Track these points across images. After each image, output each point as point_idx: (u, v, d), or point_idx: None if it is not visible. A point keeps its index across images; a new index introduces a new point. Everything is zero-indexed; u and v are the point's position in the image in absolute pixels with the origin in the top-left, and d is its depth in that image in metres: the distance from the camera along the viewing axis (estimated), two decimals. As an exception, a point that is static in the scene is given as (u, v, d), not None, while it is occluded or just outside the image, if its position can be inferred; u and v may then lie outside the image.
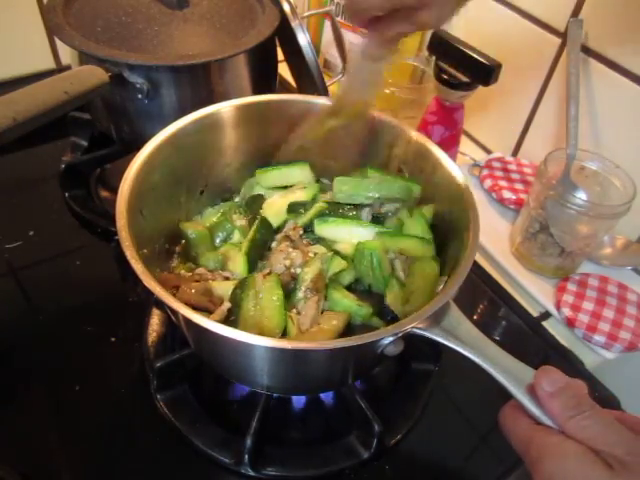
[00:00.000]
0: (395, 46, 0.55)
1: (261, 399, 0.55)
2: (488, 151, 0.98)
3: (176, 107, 0.72)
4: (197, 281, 0.53)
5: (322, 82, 0.79)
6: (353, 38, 1.01)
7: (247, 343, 0.40)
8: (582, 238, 0.70)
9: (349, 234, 0.58)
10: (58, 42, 0.98)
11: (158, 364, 0.56)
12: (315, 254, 0.55)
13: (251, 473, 0.52)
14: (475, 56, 0.73)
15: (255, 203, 0.62)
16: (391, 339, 0.43)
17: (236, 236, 0.59)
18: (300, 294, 0.52)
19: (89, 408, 0.57)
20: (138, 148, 0.53)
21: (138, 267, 0.43)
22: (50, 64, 1.01)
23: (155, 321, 0.63)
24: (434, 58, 0.80)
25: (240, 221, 0.60)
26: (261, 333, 0.48)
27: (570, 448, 0.35)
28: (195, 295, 0.50)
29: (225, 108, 0.61)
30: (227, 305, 0.50)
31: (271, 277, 0.52)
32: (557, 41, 0.80)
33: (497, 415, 0.41)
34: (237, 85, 0.76)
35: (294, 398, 0.60)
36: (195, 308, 0.47)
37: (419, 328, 0.43)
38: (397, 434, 0.57)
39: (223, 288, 0.52)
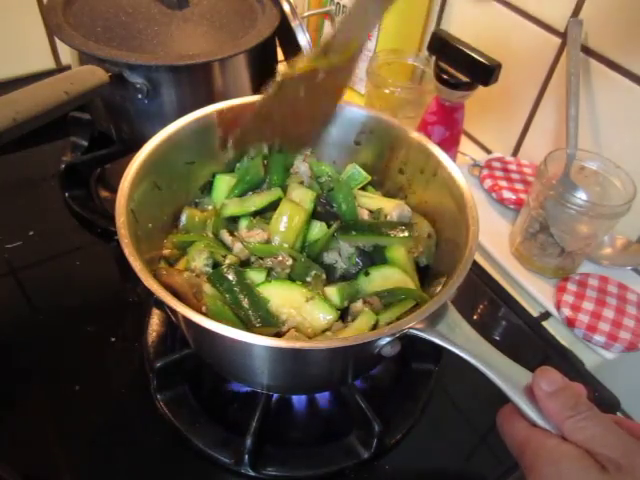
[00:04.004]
0: None
1: (261, 399, 0.55)
2: (488, 151, 0.98)
3: (176, 107, 0.72)
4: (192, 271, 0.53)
5: (322, 82, 0.79)
6: (353, 38, 1.01)
7: (247, 343, 0.40)
8: (582, 238, 0.70)
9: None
10: (58, 42, 0.98)
11: (158, 364, 0.56)
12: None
13: (251, 473, 0.52)
14: (475, 56, 0.73)
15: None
16: (388, 340, 0.43)
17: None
18: None
19: (89, 408, 0.57)
20: (138, 148, 0.53)
21: (137, 266, 0.43)
22: (50, 64, 1.01)
23: (155, 321, 0.63)
24: (434, 58, 0.80)
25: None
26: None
27: (566, 451, 0.35)
28: (180, 280, 0.49)
29: (225, 108, 0.60)
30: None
31: None
32: (557, 41, 0.80)
33: (496, 416, 0.41)
34: (237, 85, 0.76)
35: (294, 398, 0.60)
36: (176, 295, 0.47)
37: (416, 329, 0.43)
38: (397, 434, 0.57)
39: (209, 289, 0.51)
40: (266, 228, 0.56)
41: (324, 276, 0.54)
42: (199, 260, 0.53)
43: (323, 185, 0.62)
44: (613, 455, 0.34)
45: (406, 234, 0.56)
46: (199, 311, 0.49)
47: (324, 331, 0.50)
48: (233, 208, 0.58)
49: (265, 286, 0.51)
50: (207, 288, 0.51)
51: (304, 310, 0.50)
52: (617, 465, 0.33)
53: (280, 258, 0.53)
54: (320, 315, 0.50)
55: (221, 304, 0.49)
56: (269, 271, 0.53)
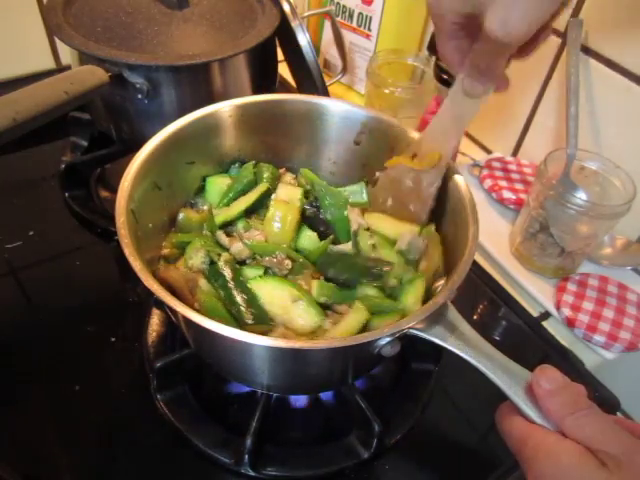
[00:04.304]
0: (493, 77, 0.47)
1: (261, 399, 0.55)
2: (488, 151, 0.98)
3: (176, 107, 0.72)
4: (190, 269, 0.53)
5: (322, 82, 0.79)
6: (353, 38, 1.01)
7: (247, 343, 0.40)
8: (582, 238, 0.70)
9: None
10: (58, 42, 0.98)
11: (158, 364, 0.56)
12: None
13: (251, 473, 0.52)
14: (475, 56, 0.72)
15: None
16: (388, 340, 0.43)
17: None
18: None
19: (89, 408, 0.57)
20: (138, 148, 0.53)
21: (137, 266, 0.43)
22: (50, 64, 1.01)
23: (155, 321, 0.63)
24: (434, 58, 0.80)
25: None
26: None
27: (565, 447, 0.35)
28: (177, 275, 0.49)
29: (225, 108, 0.60)
30: None
31: None
32: (557, 41, 0.80)
33: (495, 413, 0.41)
34: (237, 85, 0.76)
35: (294, 398, 0.60)
36: (172, 290, 0.48)
37: (416, 329, 0.43)
38: (397, 434, 0.57)
39: (204, 284, 0.52)
40: (262, 228, 0.56)
41: (315, 274, 0.54)
42: (196, 258, 0.53)
43: (311, 191, 0.61)
44: (613, 452, 0.34)
45: (378, 283, 0.54)
46: (194, 307, 0.49)
47: (312, 332, 0.50)
48: (224, 216, 0.58)
49: (256, 282, 0.51)
50: (203, 284, 0.51)
51: (290, 310, 0.50)
52: (617, 462, 0.33)
53: (279, 258, 0.53)
54: (305, 317, 0.49)
55: (215, 300, 0.49)
56: (266, 270, 0.53)
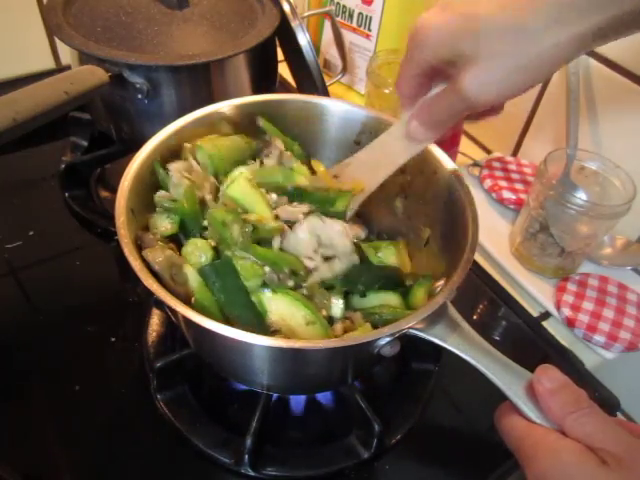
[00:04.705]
0: (441, 129, 0.46)
1: (261, 399, 0.55)
2: (488, 151, 0.98)
3: (176, 107, 0.72)
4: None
5: (322, 82, 0.79)
6: (353, 38, 1.01)
7: (247, 342, 0.40)
8: (582, 238, 0.70)
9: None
10: (58, 42, 0.98)
11: (158, 364, 0.56)
12: None
13: (251, 473, 0.52)
14: (475, 56, 0.72)
15: None
16: (388, 340, 0.43)
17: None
18: None
19: (89, 408, 0.57)
20: (138, 148, 0.53)
21: (137, 266, 0.43)
22: (50, 64, 1.01)
23: (155, 321, 0.63)
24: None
25: None
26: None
27: (566, 445, 0.35)
28: (162, 257, 0.47)
29: (225, 108, 0.60)
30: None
31: None
32: (557, 41, 0.79)
33: (494, 413, 0.41)
34: (237, 85, 0.76)
35: (294, 398, 0.60)
36: (153, 274, 0.46)
37: (416, 329, 0.43)
38: (397, 434, 0.57)
39: (195, 279, 0.49)
40: None
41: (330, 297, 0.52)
42: (193, 254, 0.51)
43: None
44: (614, 450, 0.34)
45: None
46: (175, 293, 0.47)
47: None
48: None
49: (270, 297, 0.49)
50: (190, 273, 0.49)
51: (301, 331, 0.48)
52: (618, 459, 0.33)
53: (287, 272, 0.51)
54: (313, 336, 0.48)
55: (209, 302, 0.48)
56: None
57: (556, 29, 0.36)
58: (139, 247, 0.48)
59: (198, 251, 0.51)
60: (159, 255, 0.47)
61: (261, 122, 0.61)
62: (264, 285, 0.50)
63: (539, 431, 0.37)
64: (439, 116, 0.45)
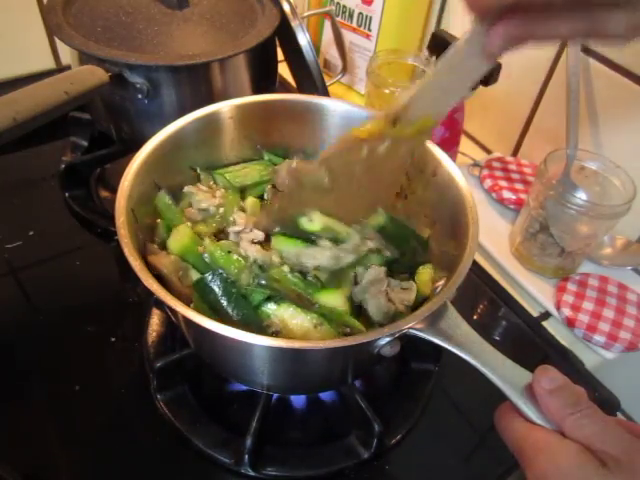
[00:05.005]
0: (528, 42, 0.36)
1: (261, 399, 0.55)
2: (488, 151, 0.98)
3: (176, 107, 0.72)
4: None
5: (322, 82, 0.79)
6: (353, 38, 1.01)
7: (247, 343, 0.40)
8: (582, 238, 0.70)
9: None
10: (58, 42, 0.98)
11: (158, 364, 0.56)
12: None
13: (251, 473, 0.52)
14: (475, 56, 0.72)
15: None
16: (388, 340, 0.43)
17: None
18: None
19: (89, 408, 0.57)
20: (138, 148, 0.53)
21: (137, 266, 0.43)
22: (50, 64, 1.01)
23: (155, 321, 0.63)
24: (434, 58, 0.80)
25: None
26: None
27: (565, 446, 0.35)
28: (167, 262, 0.48)
29: (225, 108, 0.60)
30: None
31: None
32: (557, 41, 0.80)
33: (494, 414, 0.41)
34: (237, 85, 0.76)
35: (294, 398, 0.60)
36: (161, 278, 0.47)
37: (416, 329, 0.43)
38: (397, 434, 0.57)
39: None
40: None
41: None
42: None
43: None
44: (613, 452, 0.34)
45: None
46: (183, 295, 0.48)
47: None
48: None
49: (275, 309, 0.49)
50: (194, 274, 0.50)
51: (311, 333, 0.48)
52: (617, 461, 0.33)
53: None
54: (323, 337, 0.48)
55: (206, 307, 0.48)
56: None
57: None
58: (143, 255, 0.49)
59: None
60: (165, 259, 0.49)
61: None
62: (268, 300, 0.50)
63: (539, 433, 0.37)
64: (536, 32, 0.35)
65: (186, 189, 0.58)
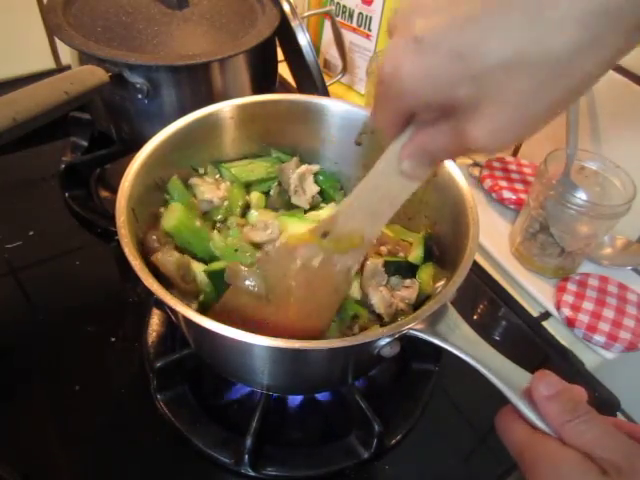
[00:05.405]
0: (436, 167, 0.39)
1: (261, 399, 0.55)
2: (488, 151, 0.98)
3: (176, 107, 0.72)
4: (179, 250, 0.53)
5: (322, 82, 0.79)
6: (353, 38, 1.01)
7: (247, 342, 0.40)
8: (582, 238, 0.70)
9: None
10: (58, 42, 0.98)
11: (158, 364, 0.56)
12: None
13: (251, 473, 0.52)
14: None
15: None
16: (387, 340, 0.43)
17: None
18: None
19: (89, 408, 0.57)
20: (138, 148, 0.53)
21: (137, 265, 0.43)
22: (50, 64, 1.01)
23: (155, 321, 0.63)
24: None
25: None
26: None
27: (566, 454, 0.35)
28: (169, 263, 0.49)
29: (225, 108, 0.60)
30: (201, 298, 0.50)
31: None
32: (557, 41, 0.79)
33: (494, 418, 0.41)
34: (237, 85, 0.76)
35: (294, 398, 0.60)
36: (162, 278, 0.48)
37: (416, 330, 0.43)
38: (397, 434, 0.57)
39: (203, 276, 0.52)
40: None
41: None
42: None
43: None
44: (613, 458, 0.34)
45: None
46: (187, 293, 0.48)
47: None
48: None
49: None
50: (196, 267, 0.51)
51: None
52: (617, 468, 0.33)
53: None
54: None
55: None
56: None
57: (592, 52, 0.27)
58: (142, 250, 0.48)
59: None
60: (168, 258, 0.49)
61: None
62: None
63: (540, 440, 0.37)
64: (438, 155, 0.37)
65: (191, 181, 0.59)
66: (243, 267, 0.48)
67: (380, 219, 0.45)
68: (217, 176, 0.62)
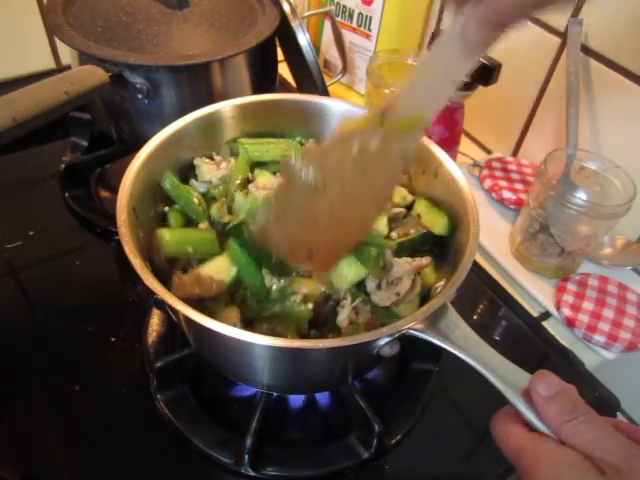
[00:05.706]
0: (502, 32, 0.36)
1: (261, 399, 0.55)
2: (488, 151, 0.98)
3: (176, 107, 0.72)
4: (185, 270, 0.52)
5: (322, 82, 0.79)
6: (353, 38, 1.01)
7: (247, 342, 0.40)
8: (582, 238, 0.70)
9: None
10: (58, 42, 0.98)
11: (158, 364, 0.56)
12: None
13: (251, 473, 0.52)
14: (475, 56, 0.72)
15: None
16: (387, 340, 0.43)
17: None
18: None
19: (89, 408, 0.57)
20: (138, 148, 0.53)
21: (138, 264, 0.43)
22: (50, 64, 1.01)
23: (155, 321, 0.63)
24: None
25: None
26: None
27: (564, 455, 0.35)
28: (190, 287, 0.49)
29: (225, 108, 0.61)
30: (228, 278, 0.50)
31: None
32: (557, 41, 0.80)
33: (490, 421, 0.41)
34: (237, 85, 0.76)
35: (294, 398, 0.60)
36: (192, 301, 0.47)
37: (415, 329, 0.43)
38: (397, 434, 0.57)
39: (211, 267, 0.51)
40: None
41: None
42: None
43: None
44: (612, 459, 0.33)
45: None
46: (218, 298, 0.50)
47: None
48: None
49: None
50: (205, 270, 0.51)
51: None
52: (616, 469, 0.33)
53: None
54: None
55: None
56: None
57: None
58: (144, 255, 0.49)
59: None
60: (183, 286, 0.49)
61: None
62: None
63: (537, 442, 0.37)
64: (504, 16, 0.36)
65: (195, 161, 0.60)
66: (298, 156, 0.45)
67: (441, 96, 0.45)
68: (220, 157, 0.61)
